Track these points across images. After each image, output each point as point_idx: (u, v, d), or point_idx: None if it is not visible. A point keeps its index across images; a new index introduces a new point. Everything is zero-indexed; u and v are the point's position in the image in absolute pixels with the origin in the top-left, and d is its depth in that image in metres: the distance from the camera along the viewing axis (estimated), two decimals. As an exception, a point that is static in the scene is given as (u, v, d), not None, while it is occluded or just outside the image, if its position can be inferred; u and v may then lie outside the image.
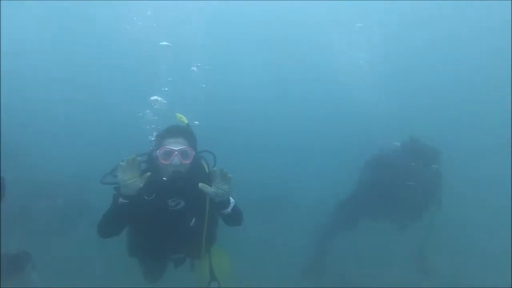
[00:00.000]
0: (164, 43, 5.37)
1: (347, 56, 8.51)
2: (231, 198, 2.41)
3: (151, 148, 2.49)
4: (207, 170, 2.51)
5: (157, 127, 2.83)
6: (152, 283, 2.87)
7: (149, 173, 2.18)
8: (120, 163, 2.10)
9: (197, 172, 2.45)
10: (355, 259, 5.06)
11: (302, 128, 9.47)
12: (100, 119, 8.67)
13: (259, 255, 5.07)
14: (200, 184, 2.25)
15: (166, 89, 4.91)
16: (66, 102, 8.66)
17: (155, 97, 4.58)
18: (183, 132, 2.45)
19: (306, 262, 4.83)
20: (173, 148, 2.29)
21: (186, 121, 2.66)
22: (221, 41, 8.65)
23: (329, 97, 9.77)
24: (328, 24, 8.55)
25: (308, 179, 7.75)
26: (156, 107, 4.72)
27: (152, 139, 2.57)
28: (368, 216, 4.25)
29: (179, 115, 2.74)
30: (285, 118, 9.56)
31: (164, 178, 2.30)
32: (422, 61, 9.70)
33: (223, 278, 2.87)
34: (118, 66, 9.03)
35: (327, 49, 8.78)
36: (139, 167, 2.15)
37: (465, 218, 5.92)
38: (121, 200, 2.15)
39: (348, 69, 8.84)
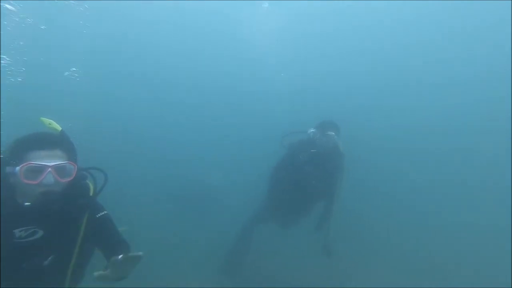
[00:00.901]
0: None
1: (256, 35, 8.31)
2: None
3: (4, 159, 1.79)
4: (91, 192, 2.00)
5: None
6: None
7: None
8: None
9: (77, 194, 1.91)
10: (272, 254, 5.09)
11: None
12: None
13: (173, 254, 4.87)
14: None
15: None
16: None
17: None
18: (59, 142, 1.86)
19: (224, 258, 4.83)
20: (45, 163, 1.72)
21: (60, 128, 2.04)
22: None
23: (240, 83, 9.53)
24: (235, 2, 8.23)
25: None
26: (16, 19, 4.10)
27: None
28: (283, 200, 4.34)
29: (46, 120, 2.06)
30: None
31: (26, 203, 1.72)
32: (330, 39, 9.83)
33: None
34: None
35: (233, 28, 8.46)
36: None
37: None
38: None
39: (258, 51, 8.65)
